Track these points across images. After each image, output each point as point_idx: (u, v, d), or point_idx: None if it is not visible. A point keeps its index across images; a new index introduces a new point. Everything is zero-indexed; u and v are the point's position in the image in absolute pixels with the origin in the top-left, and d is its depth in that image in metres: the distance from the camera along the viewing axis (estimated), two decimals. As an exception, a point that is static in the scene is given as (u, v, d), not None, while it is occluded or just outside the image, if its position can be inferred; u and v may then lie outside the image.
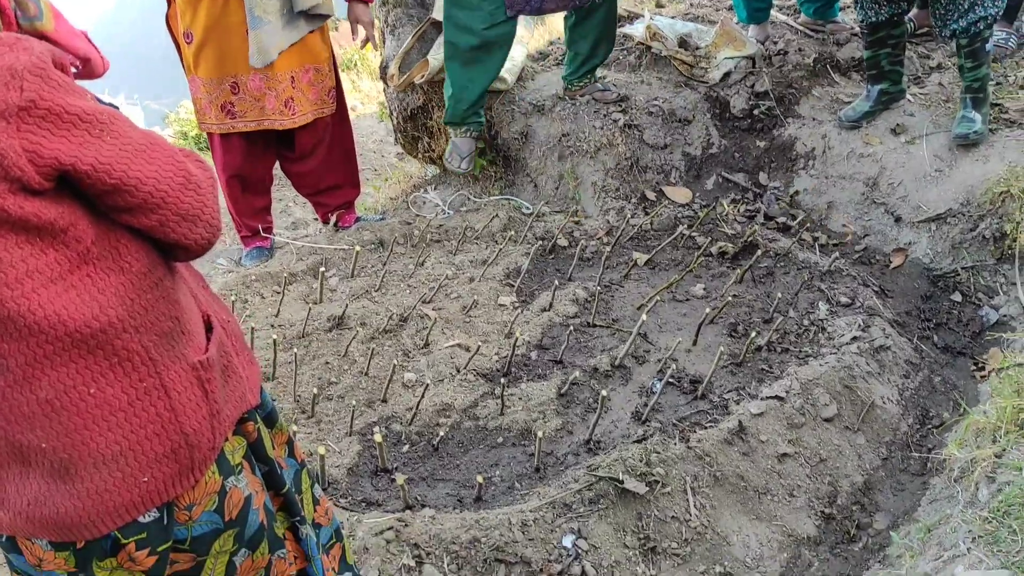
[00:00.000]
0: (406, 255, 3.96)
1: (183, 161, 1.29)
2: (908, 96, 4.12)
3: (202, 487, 1.36)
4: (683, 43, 4.61)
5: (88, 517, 1.26)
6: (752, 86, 4.37)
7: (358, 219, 4.36)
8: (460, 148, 4.35)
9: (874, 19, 3.76)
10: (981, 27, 3.51)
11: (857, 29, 4.33)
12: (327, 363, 3.20)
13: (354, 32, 4.03)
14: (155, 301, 1.29)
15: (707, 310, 3.23)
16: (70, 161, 1.15)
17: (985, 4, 3.45)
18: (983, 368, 3.05)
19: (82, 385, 1.22)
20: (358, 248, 3.76)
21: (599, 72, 4.45)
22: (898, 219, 3.77)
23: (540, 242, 3.83)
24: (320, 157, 4.09)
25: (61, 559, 1.31)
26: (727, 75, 4.44)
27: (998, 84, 4.10)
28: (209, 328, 1.44)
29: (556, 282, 3.49)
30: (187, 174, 1.28)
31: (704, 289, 3.47)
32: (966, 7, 3.47)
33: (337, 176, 4.22)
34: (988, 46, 3.61)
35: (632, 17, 5.16)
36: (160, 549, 1.34)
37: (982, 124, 3.69)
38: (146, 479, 1.28)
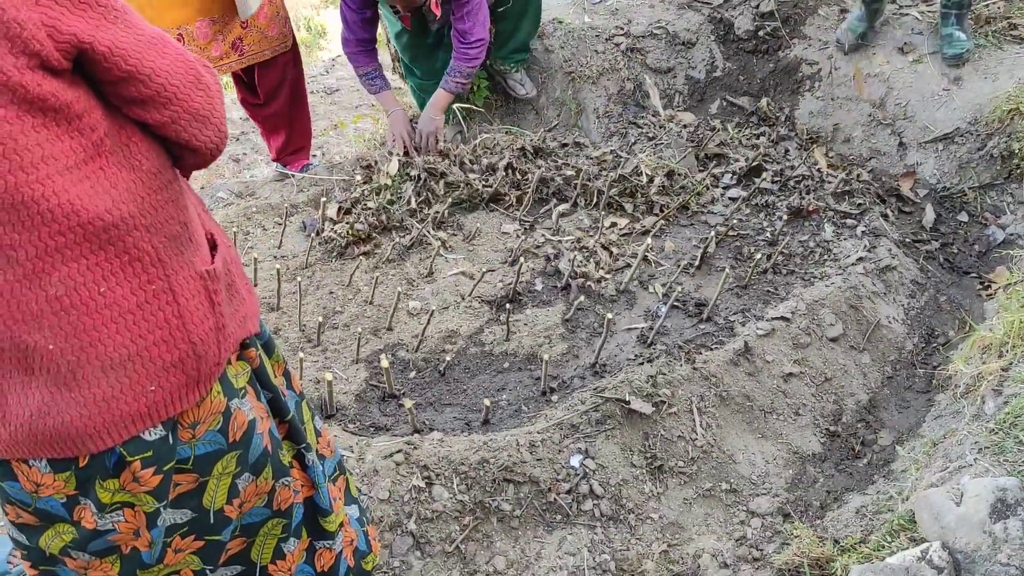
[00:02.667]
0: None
1: (192, 62, 1.28)
2: (915, 14, 4.02)
3: (207, 405, 1.36)
4: (686, -37, 4.49)
5: (94, 427, 1.24)
6: (757, 6, 4.27)
7: (307, 165, 4.11)
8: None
9: None
10: None
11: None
12: (331, 293, 3.20)
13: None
14: (164, 203, 1.28)
15: (712, 233, 3.21)
16: (88, 40, 1.14)
17: None
18: (989, 286, 3.04)
19: (92, 283, 1.21)
20: (359, 178, 3.72)
21: None
22: (905, 140, 3.72)
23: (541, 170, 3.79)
24: (285, 97, 3.82)
25: (60, 481, 1.28)
26: (731, -5, 4.33)
27: (1008, 0, 4.00)
28: (213, 246, 1.43)
29: (560, 208, 3.46)
30: (198, 74, 1.27)
31: (709, 213, 3.44)
32: None
33: (298, 115, 3.99)
34: None
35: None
36: (165, 468, 1.33)
37: (969, 40, 3.71)
38: (153, 388, 1.27)
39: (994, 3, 4.02)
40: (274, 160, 4.15)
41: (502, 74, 4.27)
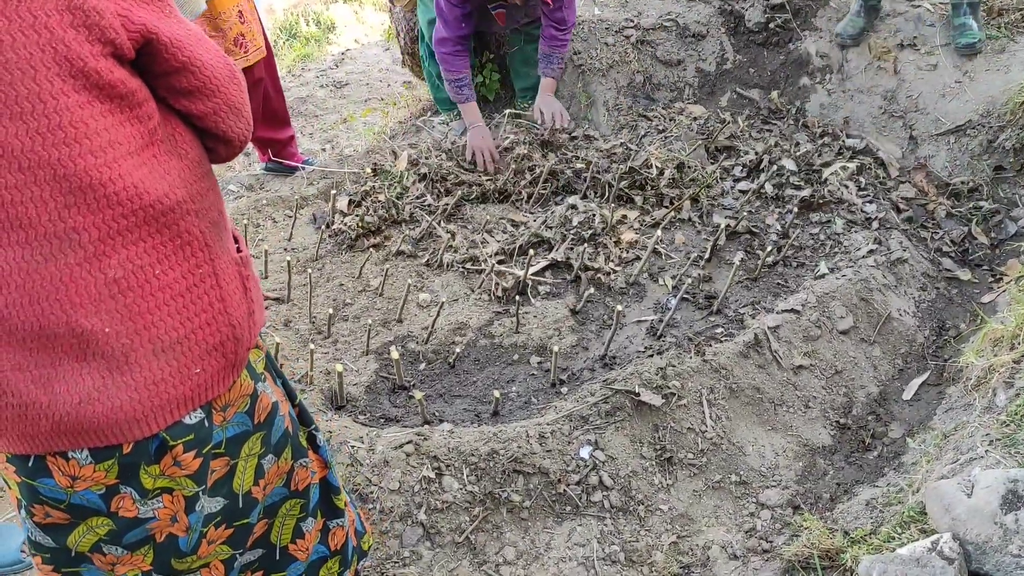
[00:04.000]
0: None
1: (228, 58, 1.34)
2: (927, 6, 4.00)
3: (237, 388, 1.40)
4: (696, -45, 4.47)
5: (142, 411, 1.26)
6: (767, -2, 4.25)
7: (306, 161, 4.19)
8: (455, 127, 4.27)
9: None
10: None
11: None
12: (341, 285, 3.20)
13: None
14: (207, 190, 1.33)
15: (722, 225, 3.21)
16: (155, 31, 1.20)
17: None
18: (1001, 279, 3.03)
19: (148, 266, 1.25)
20: (368, 170, 3.73)
21: None
22: (916, 133, 3.70)
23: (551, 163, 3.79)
24: (262, 92, 3.88)
25: (101, 471, 1.29)
26: (742, -13, 4.31)
27: (1021, -9, 3.98)
28: (234, 237, 1.47)
29: (570, 200, 3.46)
30: (233, 69, 1.33)
31: (720, 206, 3.43)
32: None
33: (277, 107, 4.04)
34: None
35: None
36: (204, 451, 1.36)
37: (980, 30, 3.71)
38: (198, 371, 1.31)
39: (1007, -6, 3.99)
40: (266, 160, 4.18)
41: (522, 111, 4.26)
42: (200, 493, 1.39)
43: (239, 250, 1.44)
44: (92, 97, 1.16)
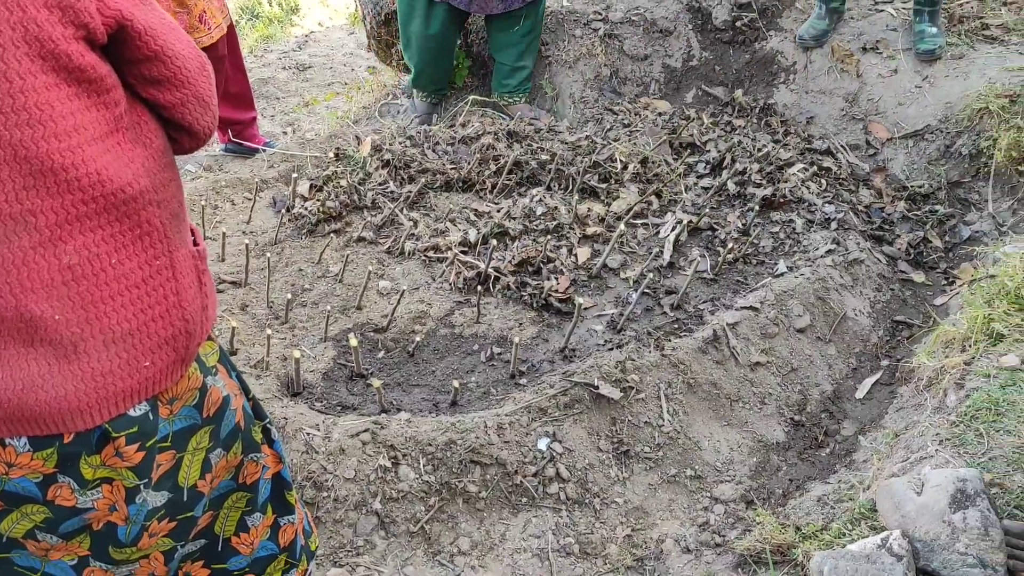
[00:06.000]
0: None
1: (199, 49, 1.32)
2: (891, 10, 4.06)
3: (185, 382, 1.38)
4: (666, -49, 4.48)
5: (87, 402, 1.24)
6: (735, -3, 4.28)
7: (267, 144, 4.11)
8: (418, 108, 4.27)
9: None
10: None
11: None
12: (300, 270, 3.16)
13: None
14: (169, 181, 1.31)
15: (684, 221, 3.23)
16: (130, 17, 1.18)
17: None
18: (954, 282, 3.09)
19: (106, 254, 1.22)
20: (332, 154, 3.69)
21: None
22: (876, 136, 3.76)
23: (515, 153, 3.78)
24: (226, 71, 3.80)
25: (39, 460, 1.26)
26: (710, -15, 4.33)
27: (980, 0, 4.05)
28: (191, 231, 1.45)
29: (533, 192, 3.45)
30: (204, 61, 1.32)
31: (682, 202, 3.45)
32: None
33: (239, 88, 3.98)
34: None
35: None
36: (148, 444, 1.33)
37: (941, 36, 3.76)
38: (147, 364, 1.28)
39: (967, 2, 4.06)
40: (226, 142, 4.11)
41: (504, 108, 4.24)
42: (142, 486, 1.35)
43: (196, 243, 1.41)
44: (60, 80, 1.14)
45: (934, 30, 3.74)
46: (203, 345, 1.44)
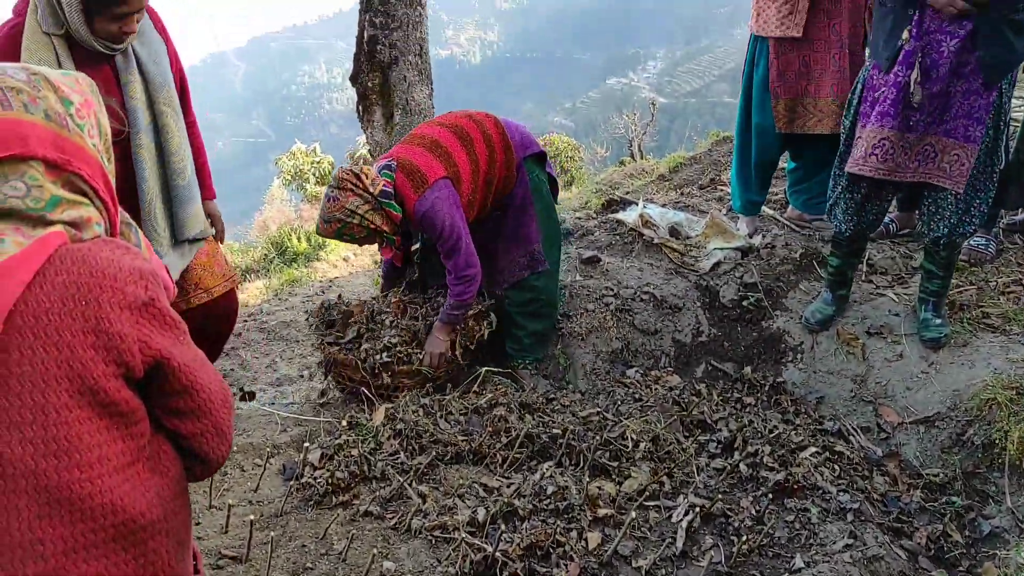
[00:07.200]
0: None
1: (223, 381, 1.39)
2: (892, 295, 4.22)
3: None
4: (674, 231, 4.75)
5: None
6: (741, 277, 4.48)
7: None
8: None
9: (851, 231, 3.88)
10: (959, 237, 3.66)
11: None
12: (303, 546, 3.08)
13: None
14: (180, 508, 1.34)
15: (697, 508, 3.17)
16: (167, 356, 1.26)
17: (970, 217, 3.60)
18: (979, 583, 2.97)
19: None
20: (344, 423, 3.71)
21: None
22: (887, 420, 3.78)
23: (530, 424, 3.80)
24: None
25: None
26: (717, 265, 4.55)
27: (980, 289, 4.21)
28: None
29: (545, 467, 3.43)
30: (227, 392, 1.38)
31: (694, 484, 3.41)
32: (954, 220, 3.61)
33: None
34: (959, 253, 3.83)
35: (625, 204, 5.34)
36: None
37: (945, 325, 3.89)
38: None
39: (966, 290, 4.23)
40: None
41: (513, 368, 4.34)
42: None
43: (196, 569, 1.41)
44: (93, 413, 1.19)
45: (939, 320, 3.86)
46: None
